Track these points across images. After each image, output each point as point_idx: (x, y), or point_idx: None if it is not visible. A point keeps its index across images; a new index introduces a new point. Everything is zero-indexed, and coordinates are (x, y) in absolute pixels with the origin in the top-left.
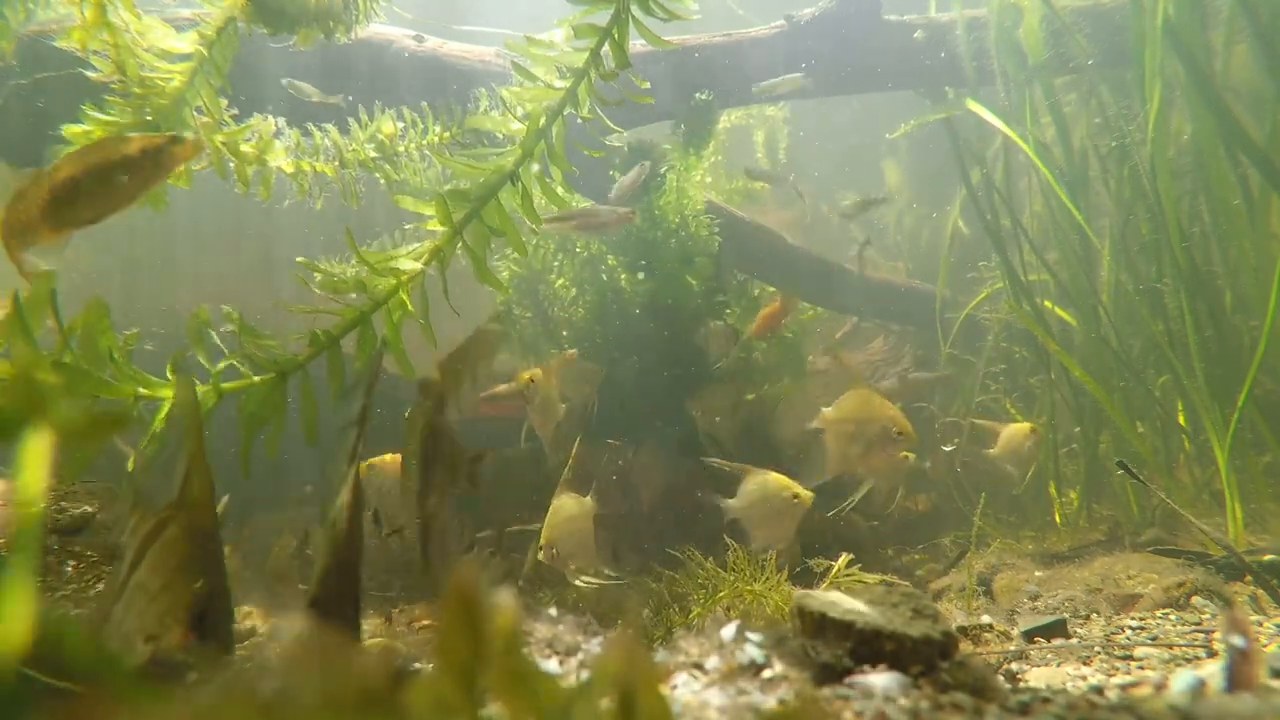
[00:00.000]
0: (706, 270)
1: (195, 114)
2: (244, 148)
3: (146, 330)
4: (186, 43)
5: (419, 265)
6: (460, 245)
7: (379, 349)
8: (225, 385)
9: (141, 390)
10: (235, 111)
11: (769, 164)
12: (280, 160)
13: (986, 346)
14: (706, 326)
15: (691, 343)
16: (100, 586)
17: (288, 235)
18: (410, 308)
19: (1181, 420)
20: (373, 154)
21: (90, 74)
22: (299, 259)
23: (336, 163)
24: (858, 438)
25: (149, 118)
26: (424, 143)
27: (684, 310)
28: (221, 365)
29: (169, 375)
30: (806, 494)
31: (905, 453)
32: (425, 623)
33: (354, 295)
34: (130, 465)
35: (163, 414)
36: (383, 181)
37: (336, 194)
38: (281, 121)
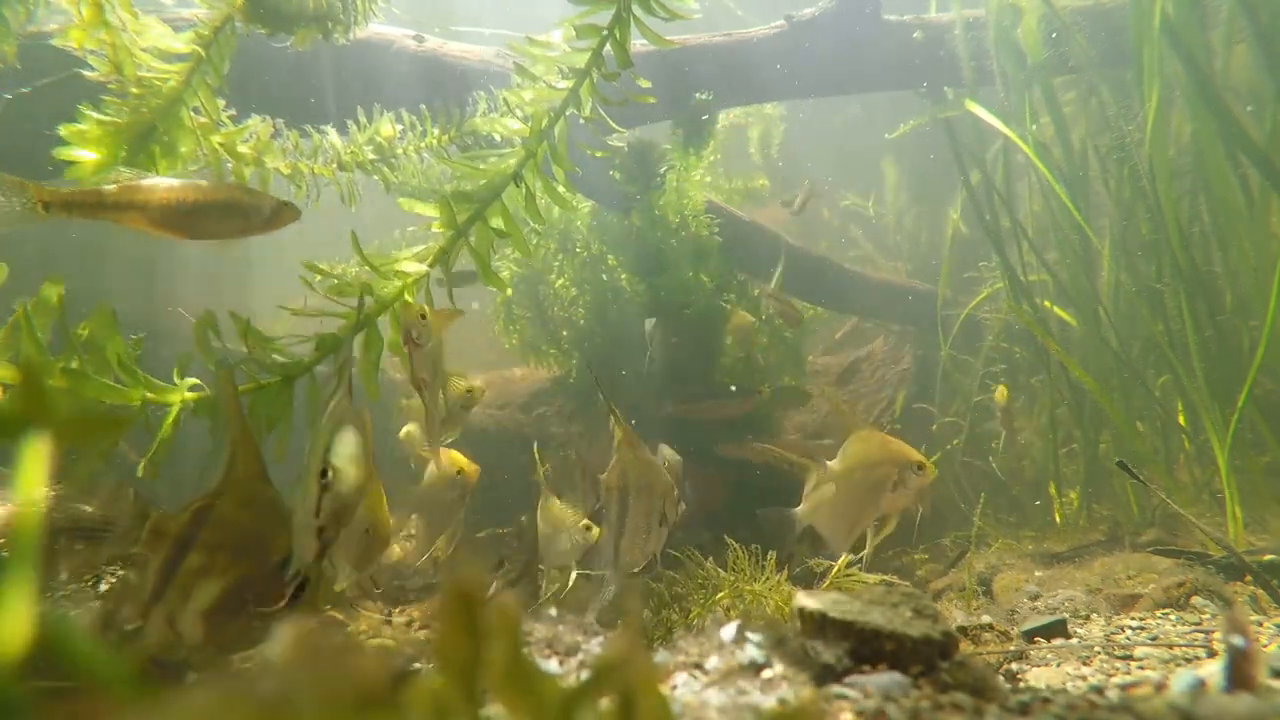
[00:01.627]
0: (719, 267)
1: (192, 114)
2: (241, 149)
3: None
4: (184, 43)
5: (423, 267)
6: (464, 246)
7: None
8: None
9: (149, 395)
10: (233, 112)
11: (763, 161)
12: (278, 162)
13: (985, 346)
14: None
15: (700, 340)
16: (102, 587)
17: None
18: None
19: (1181, 420)
20: (371, 156)
21: (87, 73)
22: (304, 261)
23: (335, 165)
24: (871, 485)
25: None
26: (423, 145)
27: (690, 309)
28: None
29: (176, 379)
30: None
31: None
32: (425, 622)
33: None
34: (140, 470)
35: (170, 419)
36: (381, 183)
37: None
38: (280, 123)
